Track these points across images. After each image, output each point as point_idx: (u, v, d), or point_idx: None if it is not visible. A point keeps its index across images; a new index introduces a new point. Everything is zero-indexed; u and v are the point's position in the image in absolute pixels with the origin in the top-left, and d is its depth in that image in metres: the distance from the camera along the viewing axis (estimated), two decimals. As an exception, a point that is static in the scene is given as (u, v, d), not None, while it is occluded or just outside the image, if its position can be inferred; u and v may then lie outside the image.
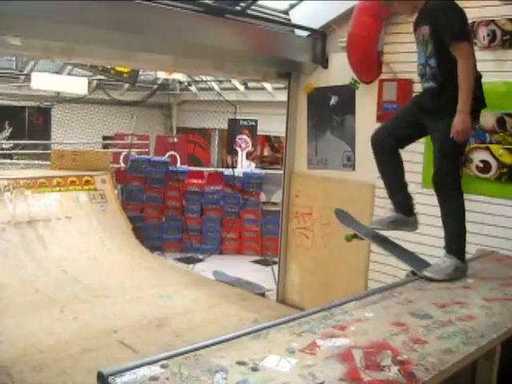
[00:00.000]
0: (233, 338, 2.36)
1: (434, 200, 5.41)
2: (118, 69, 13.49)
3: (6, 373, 4.82)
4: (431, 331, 2.68)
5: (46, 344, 5.42)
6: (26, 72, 15.07)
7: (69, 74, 15.21)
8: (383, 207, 5.90)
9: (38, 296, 6.66)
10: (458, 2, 3.70)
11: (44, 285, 6.96)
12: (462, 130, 3.56)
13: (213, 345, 2.26)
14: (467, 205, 4.33)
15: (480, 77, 3.79)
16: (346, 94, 6.30)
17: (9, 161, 13.52)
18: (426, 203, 5.48)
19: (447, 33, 3.55)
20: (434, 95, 3.78)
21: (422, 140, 5.48)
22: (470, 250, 4.93)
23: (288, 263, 7.08)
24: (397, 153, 4.35)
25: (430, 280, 3.61)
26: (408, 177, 5.57)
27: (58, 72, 15.15)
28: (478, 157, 5.16)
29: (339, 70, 6.34)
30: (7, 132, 16.50)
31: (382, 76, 5.90)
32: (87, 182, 8.97)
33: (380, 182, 5.87)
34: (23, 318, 5.96)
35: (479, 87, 3.78)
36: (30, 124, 17.02)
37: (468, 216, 4.67)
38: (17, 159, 13.99)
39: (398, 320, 2.79)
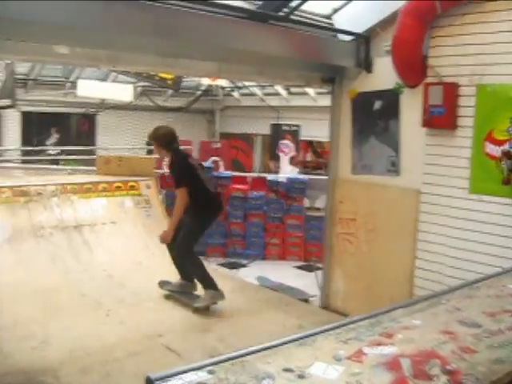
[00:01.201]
0: (279, 345, 2.35)
1: (482, 206, 5.36)
2: (162, 75, 13.66)
3: (53, 375, 4.90)
4: (480, 340, 2.63)
5: (92, 347, 5.48)
6: (72, 79, 15.36)
7: (114, 80, 15.46)
8: (429, 212, 5.84)
9: (85, 300, 6.75)
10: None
11: (90, 289, 7.05)
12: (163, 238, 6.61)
13: (259, 351, 2.26)
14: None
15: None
16: (391, 99, 6.24)
17: (56, 166, 13.79)
18: (474, 209, 5.42)
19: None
20: None
21: (469, 144, 5.43)
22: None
23: (332, 269, 7.04)
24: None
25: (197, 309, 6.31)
26: (454, 183, 5.53)
27: (103, 79, 15.41)
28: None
29: (383, 75, 6.30)
30: (54, 138, 16.82)
31: (428, 80, 5.83)
32: (132, 187, 9.06)
33: (425, 188, 5.85)
34: (70, 322, 6.05)
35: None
36: (76, 130, 17.35)
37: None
38: (63, 165, 14.25)
39: (446, 328, 2.75)
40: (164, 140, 6.66)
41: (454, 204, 5.60)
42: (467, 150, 5.48)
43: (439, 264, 5.72)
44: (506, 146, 5.16)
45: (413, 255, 6.00)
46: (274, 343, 2.35)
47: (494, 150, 5.30)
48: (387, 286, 6.22)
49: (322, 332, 2.57)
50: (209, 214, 6.71)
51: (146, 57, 5.64)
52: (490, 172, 5.32)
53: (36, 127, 16.55)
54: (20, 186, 8.26)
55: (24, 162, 14.72)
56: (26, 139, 15.99)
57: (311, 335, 2.51)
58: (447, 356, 2.40)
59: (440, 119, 5.62)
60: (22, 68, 14.49)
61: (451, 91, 5.55)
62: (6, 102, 13.81)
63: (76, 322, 6.04)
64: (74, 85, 15.17)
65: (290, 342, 2.42)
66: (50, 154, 16.15)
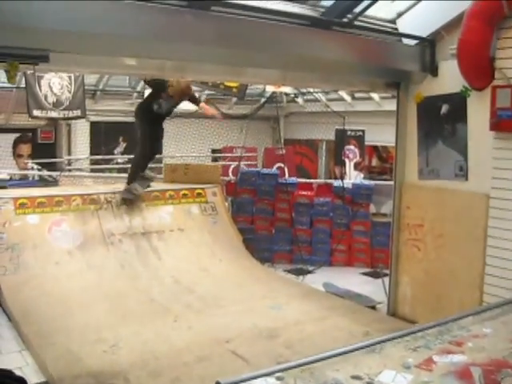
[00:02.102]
0: (347, 352, 2.36)
1: None
2: (227, 84, 13.78)
3: (123, 377, 5.01)
4: (554, 349, 2.58)
5: (161, 351, 5.58)
6: (138, 89, 15.67)
7: (180, 89, 15.64)
8: (498, 218, 5.72)
9: (153, 305, 6.88)
10: None
11: (158, 294, 7.18)
12: None
13: (328, 358, 2.27)
14: None
15: None
16: (457, 102, 6.14)
17: (124, 175, 14.07)
18: None
19: None
20: None
21: None
22: None
23: (399, 275, 6.97)
24: None
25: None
26: None
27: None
28: None
29: (449, 78, 6.20)
30: (122, 147, 17.18)
31: (495, 82, 5.72)
32: (199, 194, 9.19)
33: (494, 192, 5.72)
34: (139, 326, 6.18)
35: None
36: (143, 139, 17.59)
37: None
38: (131, 173, 14.50)
39: (517, 336, 2.70)
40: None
41: (525, 209, 5.48)
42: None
43: (510, 271, 5.58)
44: None
45: (483, 261, 5.87)
46: (342, 350, 2.37)
47: None
48: (456, 292, 6.11)
49: (390, 339, 2.57)
50: None
51: (211, 66, 5.71)
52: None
53: (104, 136, 16.93)
54: (90, 195, 8.50)
55: (93, 170, 15.10)
56: (95, 148, 16.37)
57: (379, 342, 2.51)
58: (519, 365, 2.36)
59: (508, 122, 5.50)
60: (90, 79, 14.88)
61: (520, 93, 5.44)
62: (77, 112, 14.24)
63: (145, 327, 6.17)
64: (140, 94, 15.46)
65: (358, 349, 2.42)
66: (118, 163, 16.51)
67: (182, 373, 5.14)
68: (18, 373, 3.22)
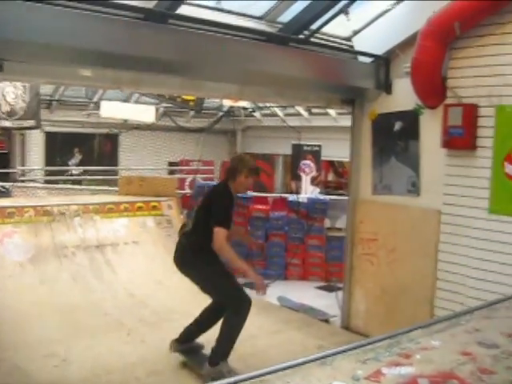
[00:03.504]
0: (298, 365, 2.38)
1: (503, 226, 5.35)
2: (184, 97, 13.80)
3: (75, 393, 4.96)
4: (499, 361, 2.63)
5: (113, 366, 5.53)
6: (95, 100, 15.57)
7: (136, 101, 15.65)
8: (449, 233, 5.84)
9: (107, 319, 6.81)
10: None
11: (112, 308, 7.11)
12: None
13: (278, 370, 2.28)
14: None
15: None
16: (411, 120, 6.27)
17: (78, 186, 13.96)
18: (495, 230, 5.41)
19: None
20: None
21: (488, 165, 5.43)
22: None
23: (353, 289, 7.04)
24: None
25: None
26: (475, 203, 5.53)
27: (126, 100, 15.60)
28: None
29: (403, 96, 6.33)
30: (77, 158, 17.02)
31: (447, 101, 5.85)
32: (154, 207, 9.15)
33: (446, 208, 5.85)
34: (92, 340, 6.11)
35: None
36: (98, 150, 17.54)
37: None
38: (86, 185, 14.41)
39: (465, 349, 2.75)
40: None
41: (475, 225, 5.60)
42: (487, 171, 5.48)
43: (460, 285, 5.70)
44: (527, 167, 5.16)
45: (434, 276, 5.98)
46: (293, 363, 2.38)
47: (514, 171, 5.31)
48: (408, 306, 6.20)
49: (340, 352, 2.59)
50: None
51: (168, 79, 5.71)
52: (509, 192, 5.31)
53: (59, 147, 16.76)
54: (43, 206, 8.38)
55: (47, 181, 14.91)
56: (50, 159, 16.19)
57: (330, 355, 2.53)
58: (466, 377, 2.40)
59: (459, 140, 5.63)
60: (46, 89, 14.72)
61: (470, 112, 5.57)
62: (31, 122, 14.05)
63: (98, 341, 6.09)
64: (97, 105, 15.38)
65: (309, 361, 2.44)
66: (73, 174, 16.35)
67: (134, 387, 5.10)
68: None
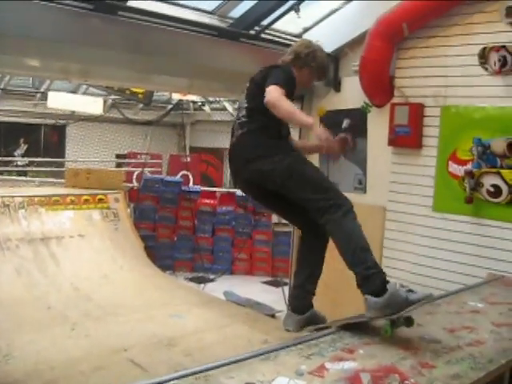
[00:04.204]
0: (243, 360, 2.40)
1: (446, 224, 5.47)
2: (133, 89, 13.65)
3: (17, 388, 4.86)
4: (439, 356, 2.71)
5: (57, 360, 5.43)
6: (42, 90, 15.26)
7: (84, 92, 15.40)
8: (394, 230, 5.94)
9: (50, 313, 6.68)
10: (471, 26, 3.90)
11: (56, 302, 6.98)
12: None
13: (223, 366, 2.30)
14: (478, 229, 4.39)
15: None
16: (358, 118, 6.33)
17: (24, 178, 13.66)
18: (438, 227, 5.53)
19: None
20: None
21: (433, 163, 5.54)
22: (480, 273, 4.97)
23: (298, 284, 7.08)
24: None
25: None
26: (419, 201, 5.64)
27: (74, 91, 15.33)
28: (489, 181, 5.16)
29: (351, 94, 6.41)
30: (22, 149, 16.66)
31: (394, 100, 5.95)
32: (100, 200, 9.02)
33: (391, 205, 5.95)
34: (35, 334, 5.98)
35: None
36: (45, 142, 17.21)
37: (478, 240, 4.72)
38: (32, 176, 14.12)
39: (406, 344, 2.82)
40: None
41: (419, 221, 5.72)
42: (431, 169, 5.60)
43: (404, 281, 5.79)
44: (469, 166, 5.28)
45: (378, 271, 6.07)
46: (237, 358, 2.40)
47: (458, 170, 5.43)
48: (352, 302, 6.24)
49: (284, 347, 2.62)
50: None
51: (117, 71, 5.67)
52: (453, 191, 5.44)
53: (4, 137, 16.39)
54: (-13, 197, 8.18)
55: (-10, 173, 14.57)
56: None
57: (274, 350, 2.56)
58: (406, 371, 2.47)
59: (405, 138, 5.74)
60: (-9, 78, 14.38)
61: (416, 111, 5.68)
62: (-26, 111, 13.70)
63: (41, 335, 5.98)
64: (44, 95, 15.07)
65: (253, 356, 2.46)
66: (18, 165, 16.00)
67: (78, 382, 5.02)
68: None
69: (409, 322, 3.02)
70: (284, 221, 9.94)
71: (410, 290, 3.22)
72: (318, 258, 4.28)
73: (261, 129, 3.73)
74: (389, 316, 2.98)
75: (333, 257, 6.50)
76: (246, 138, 3.78)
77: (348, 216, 3.70)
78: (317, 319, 4.19)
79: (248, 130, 3.76)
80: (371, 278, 3.48)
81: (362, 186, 6.34)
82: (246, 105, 3.87)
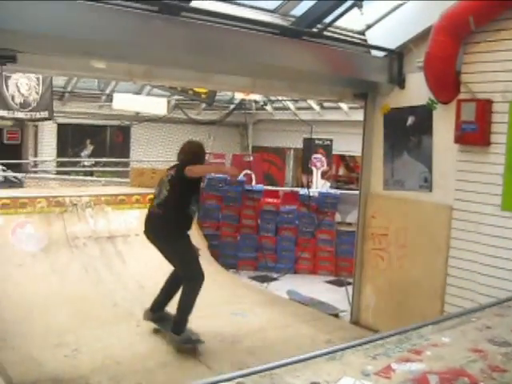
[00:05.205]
0: (308, 359, 2.38)
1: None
2: (196, 89, 13.78)
3: (84, 383, 4.98)
4: (510, 359, 2.62)
5: (123, 356, 5.55)
6: (107, 92, 15.59)
7: (148, 93, 15.65)
8: (461, 229, 5.81)
9: (116, 310, 6.84)
10: None
11: (122, 299, 7.14)
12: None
13: (288, 364, 2.29)
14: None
15: None
16: (423, 115, 6.24)
17: (90, 178, 13.99)
18: (507, 226, 5.38)
19: None
20: None
21: (502, 161, 5.39)
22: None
23: (363, 284, 7.02)
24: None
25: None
26: (487, 199, 5.49)
27: (138, 92, 15.61)
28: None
29: (416, 90, 6.30)
30: (89, 150, 17.05)
31: (460, 96, 5.82)
32: (165, 199, 9.15)
33: (457, 204, 5.82)
34: (102, 331, 6.13)
35: None
36: (110, 142, 17.57)
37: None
38: (98, 176, 14.44)
39: (475, 346, 2.75)
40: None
41: (486, 221, 5.56)
42: (500, 167, 5.45)
43: (471, 281, 5.67)
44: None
45: (444, 272, 5.96)
46: (302, 357, 2.38)
47: (527, 167, 5.28)
48: (418, 302, 6.19)
49: (350, 347, 2.59)
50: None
51: (180, 72, 5.72)
52: (522, 189, 5.28)
53: (71, 139, 16.80)
54: (55, 197, 8.42)
55: (59, 172, 14.95)
56: (62, 150, 16.24)
57: (340, 350, 2.53)
58: (476, 374, 2.40)
59: (472, 136, 5.60)
60: (59, 80, 14.75)
61: (484, 108, 5.53)
62: (44, 114, 14.10)
63: (108, 332, 6.12)
64: (109, 97, 15.41)
65: (318, 356, 2.44)
66: (85, 166, 16.39)
67: (144, 378, 5.12)
68: (-25, 376, 3.17)
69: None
70: (348, 220, 9.92)
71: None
72: (177, 286, 5.99)
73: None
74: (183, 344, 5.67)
75: (399, 257, 6.46)
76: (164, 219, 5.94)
77: (194, 288, 5.76)
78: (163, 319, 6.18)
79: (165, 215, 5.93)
80: (178, 326, 5.79)
81: (427, 184, 6.23)
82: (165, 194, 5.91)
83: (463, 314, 3.29)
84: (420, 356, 2.56)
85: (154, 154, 17.22)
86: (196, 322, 6.39)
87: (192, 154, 5.93)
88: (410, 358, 2.51)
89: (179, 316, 5.78)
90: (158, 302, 6.22)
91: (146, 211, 6.08)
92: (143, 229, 6.01)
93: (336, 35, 6.38)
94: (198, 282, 5.75)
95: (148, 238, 5.98)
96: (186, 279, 5.83)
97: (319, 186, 13.47)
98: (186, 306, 5.75)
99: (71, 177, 13.89)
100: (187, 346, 5.70)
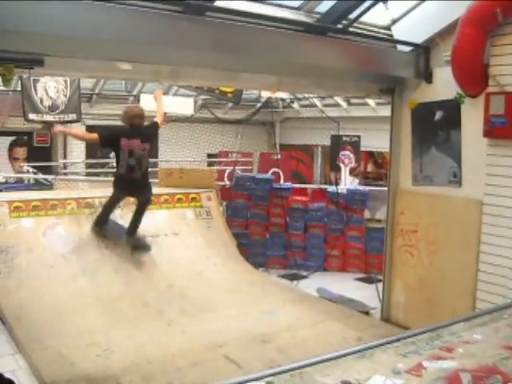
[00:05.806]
0: (338, 357, 2.37)
1: None
2: (223, 89, 13.80)
3: (116, 381, 5.02)
4: (544, 355, 2.58)
5: (154, 356, 5.58)
6: (134, 93, 15.68)
7: (175, 94, 15.70)
8: (492, 224, 5.74)
9: (147, 309, 6.88)
10: None
11: (152, 298, 7.18)
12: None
13: (318, 363, 2.28)
14: None
15: None
16: (452, 109, 6.17)
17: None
18: None
19: None
20: None
21: None
22: None
23: (393, 281, 6.98)
24: None
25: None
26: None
27: (165, 92, 15.65)
28: None
29: (444, 85, 6.23)
30: (116, 151, 17.10)
31: (489, 89, 5.74)
32: (193, 199, 9.19)
33: (488, 199, 5.75)
34: (133, 330, 6.18)
35: None
36: (139, 143, 17.60)
37: None
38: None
39: (508, 343, 2.71)
40: None
41: (518, 216, 5.49)
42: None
43: (503, 277, 5.60)
44: None
45: (475, 268, 5.89)
46: (332, 355, 2.37)
47: (559, 161, 5.20)
48: (449, 299, 6.13)
49: (381, 345, 2.57)
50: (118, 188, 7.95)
51: (206, 71, 5.73)
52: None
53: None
54: (85, 198, 8.50)
55: (88, 174, 15.09)
56: (91, 152, 16.37)
57: (370, 348, 2.52)
58: (509, 372, 2.36)
59: (502, 129, 5.52)
60: (86, 83, 14.89)
61: (514, 101, 5.46)
62: (72, 116, 14.25)
63: (138, 331, 6.16)
64: (136, 98, 15.49)
65: (348, 354, 2.43)
66: (113, 167, 16.49)
67: (175, 377, 5.14)
68: (10, 376, 3.21)
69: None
70: (377, 217, 9.85)
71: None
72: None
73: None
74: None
75: (428, 253, 6.40)
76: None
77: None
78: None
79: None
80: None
81: (456, 179, 6.16)
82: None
83: (495, 311, 3.25)
84: (451, 353, 2.53)
85: (182, 153, 17.29)
86: (225, 321, 6.43)
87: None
88: (442, 356, 2.48)
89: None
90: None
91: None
92: None
93: (361, 31, 6.34)
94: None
95: None
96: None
97: (347, 182, 13.42)
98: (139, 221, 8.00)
99: (100, 178, 14.00)
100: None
